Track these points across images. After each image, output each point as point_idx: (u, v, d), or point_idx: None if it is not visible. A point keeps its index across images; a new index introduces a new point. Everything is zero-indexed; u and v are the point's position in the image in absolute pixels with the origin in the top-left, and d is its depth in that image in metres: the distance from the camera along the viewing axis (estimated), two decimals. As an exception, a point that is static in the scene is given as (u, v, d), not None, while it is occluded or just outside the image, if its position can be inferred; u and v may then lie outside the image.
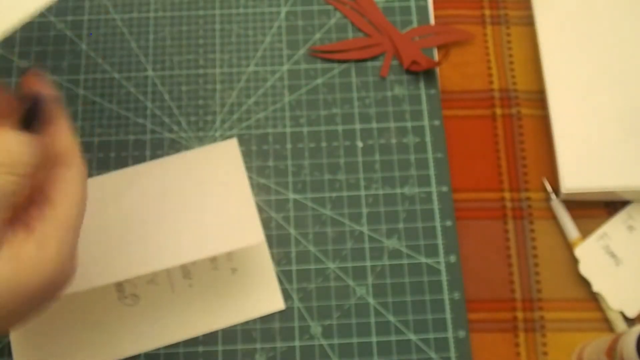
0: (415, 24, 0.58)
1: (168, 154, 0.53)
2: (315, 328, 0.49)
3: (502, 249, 0.51)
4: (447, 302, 0.49)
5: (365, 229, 0.51)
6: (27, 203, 0.32)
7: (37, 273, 0.31)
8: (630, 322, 0.49)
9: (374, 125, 0.55)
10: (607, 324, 0.49)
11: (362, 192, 0.53)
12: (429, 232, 0.51)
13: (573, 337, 0.49)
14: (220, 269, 0.50)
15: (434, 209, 0.52)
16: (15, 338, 0.47)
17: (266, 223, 0.52)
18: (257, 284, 0.50)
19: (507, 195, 0.53)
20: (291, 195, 0.53)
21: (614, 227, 0.51)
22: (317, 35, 0.58)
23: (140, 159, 0.53)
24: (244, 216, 0.49)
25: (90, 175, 0.52)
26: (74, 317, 0.48)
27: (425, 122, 0.55)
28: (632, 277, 0.50)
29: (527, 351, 0.49)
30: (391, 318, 0.49)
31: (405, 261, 0.50)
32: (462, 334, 0.48)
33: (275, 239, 0.51)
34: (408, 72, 0.56)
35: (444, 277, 0.50)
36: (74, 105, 0.55)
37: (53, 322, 0.48)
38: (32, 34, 0.57)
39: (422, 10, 0.58)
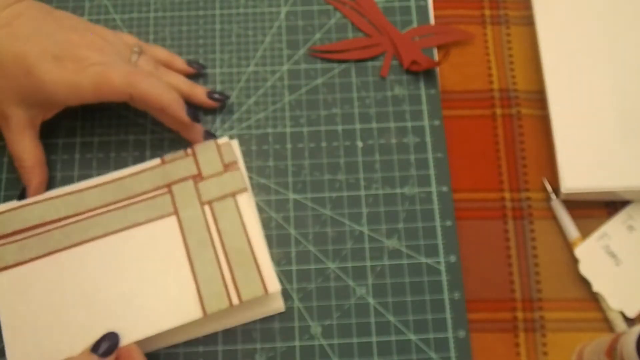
0: (415, 24, 0.58)
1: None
2: (315, 328, 0.49)
3: (502, 249, 0.51)
4: (447, 302, 0.49)
5: (365, 229, 0.51)
6: None
7: None
8: (630, 322, 0.49)
9: (374, 125, 0.55)
10: (607, 324, 0.49)
11: (362, 192, 0.52)
12: (429, 232, 0.51)
13: (573, 337, 0.49)
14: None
15: (434, 209, 0.52)
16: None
17: (266, 223, 0.51)
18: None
19: (507, 195, 0.53)
20: (291, 195, 0.52)
21: (614, 227, 0.51)
22: (317, 35, 0.58)
23: (140, 159, 0.53)
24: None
25: (89, 175, 0.52)
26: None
27: (425, 122, 0.55)
28: (632, 277, 0.50)
29: (527, 351, 0.49)
30: (391, 318, 0.49)
31: (405, 261, 0.50)
32: (462, 334, 0.48)
33: (275, 239, 0.51)
34: (408, 72, 0.56)
35: (444, 277, 0.50)
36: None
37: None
38: (32, 34, 0.57)
39: (422, 10, 0.58)
